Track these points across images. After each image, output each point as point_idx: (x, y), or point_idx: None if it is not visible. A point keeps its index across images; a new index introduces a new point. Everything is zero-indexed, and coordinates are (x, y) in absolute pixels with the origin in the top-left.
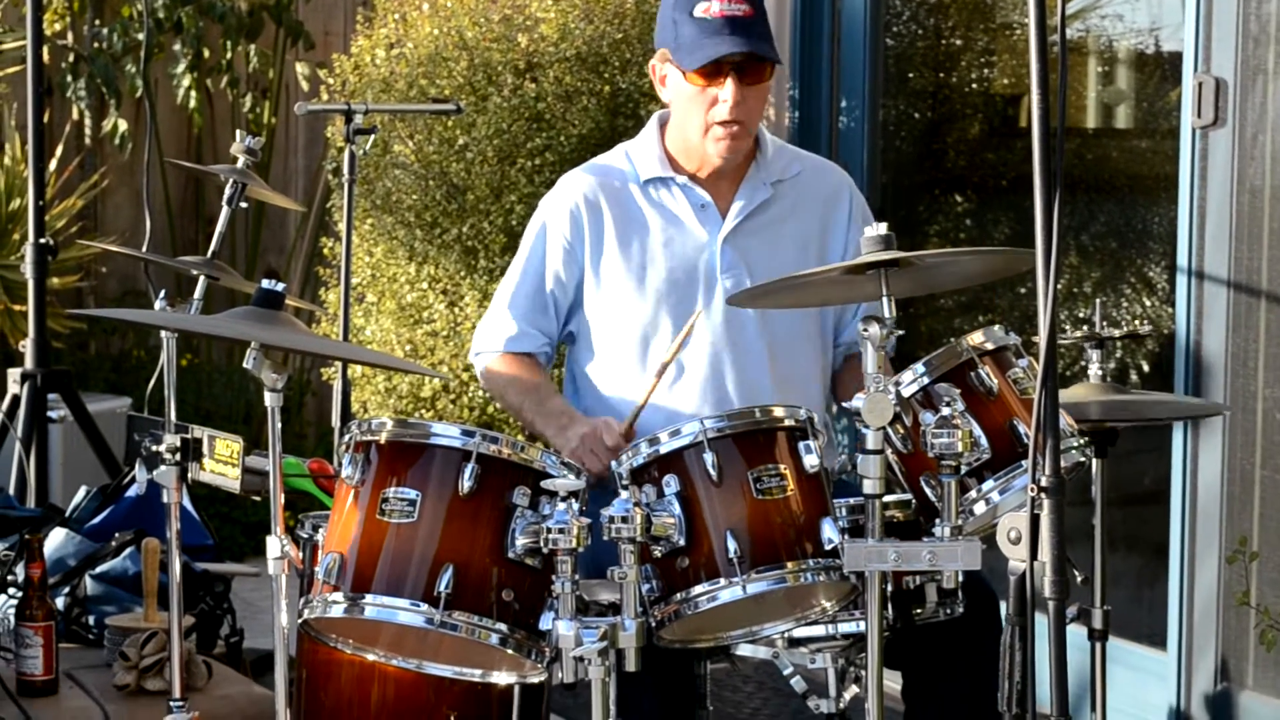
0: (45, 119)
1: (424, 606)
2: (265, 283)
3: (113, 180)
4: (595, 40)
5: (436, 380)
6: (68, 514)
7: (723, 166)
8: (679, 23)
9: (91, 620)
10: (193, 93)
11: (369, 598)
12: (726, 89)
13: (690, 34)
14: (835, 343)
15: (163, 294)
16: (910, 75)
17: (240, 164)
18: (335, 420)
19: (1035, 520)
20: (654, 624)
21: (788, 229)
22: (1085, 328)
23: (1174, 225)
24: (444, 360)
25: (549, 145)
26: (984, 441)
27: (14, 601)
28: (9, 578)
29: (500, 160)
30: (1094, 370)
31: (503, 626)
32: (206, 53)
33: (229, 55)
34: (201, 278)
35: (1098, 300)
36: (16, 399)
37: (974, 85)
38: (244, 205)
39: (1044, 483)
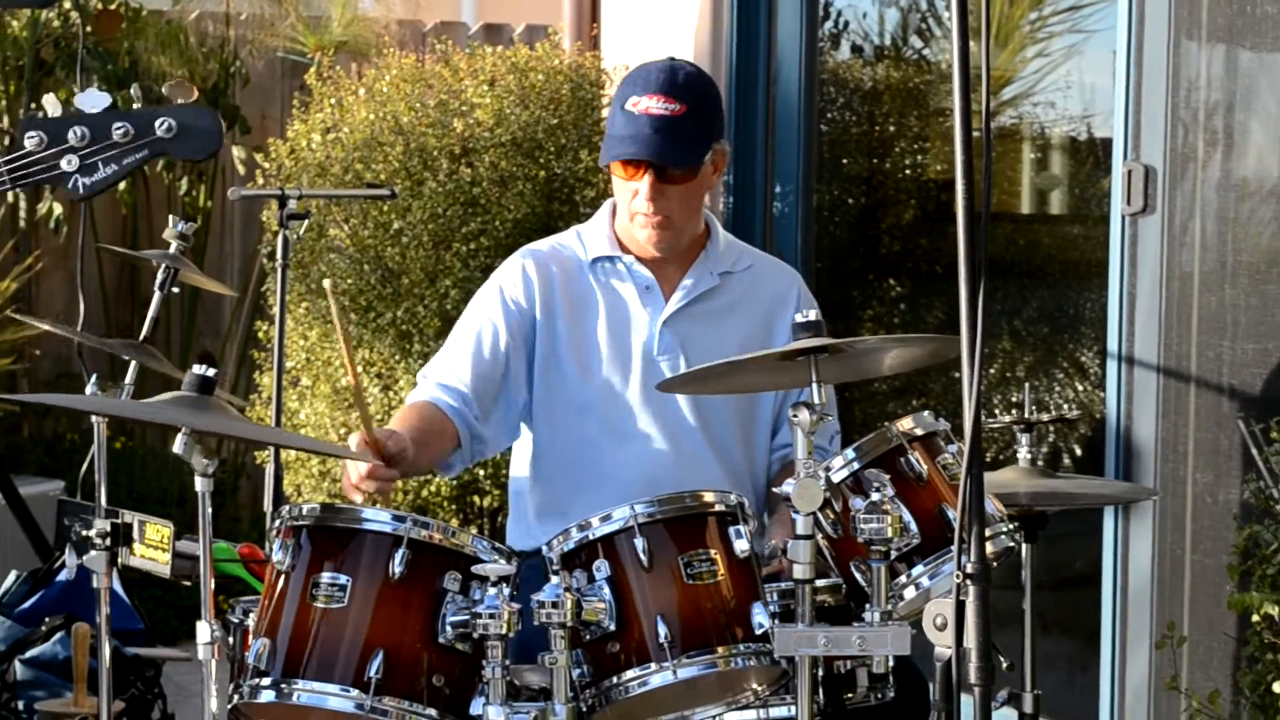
0: None
1: (354, 692)
2: (197, 368)
3: (47, 263)
4: (530, 126)
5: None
6: None
7: (656, 254)
8: (614, 111)
9: (21, 705)
10: None
11: (299, 683)
12: (643, 184)
13: (617, 126)
14: (773, 443)
15: (94, 378)
16: (844, 161)
17: (173, 249)
18: (268, 504)
19: (960, 607)
20: (585, 709)
21: (732, 321)
22: (1015, 412)
23: (1105, 311)
24: None
25: (484, 230)
26: (913, 527)
27: None
28: None
29: (435, 245)
30: (1023, 454)
31: (433, 712)
32: None
33: None
34: (133, 362)
35: (1027, 385)
36: None
37: (907, 171)
38: (175, 290)
39: (969, 569)
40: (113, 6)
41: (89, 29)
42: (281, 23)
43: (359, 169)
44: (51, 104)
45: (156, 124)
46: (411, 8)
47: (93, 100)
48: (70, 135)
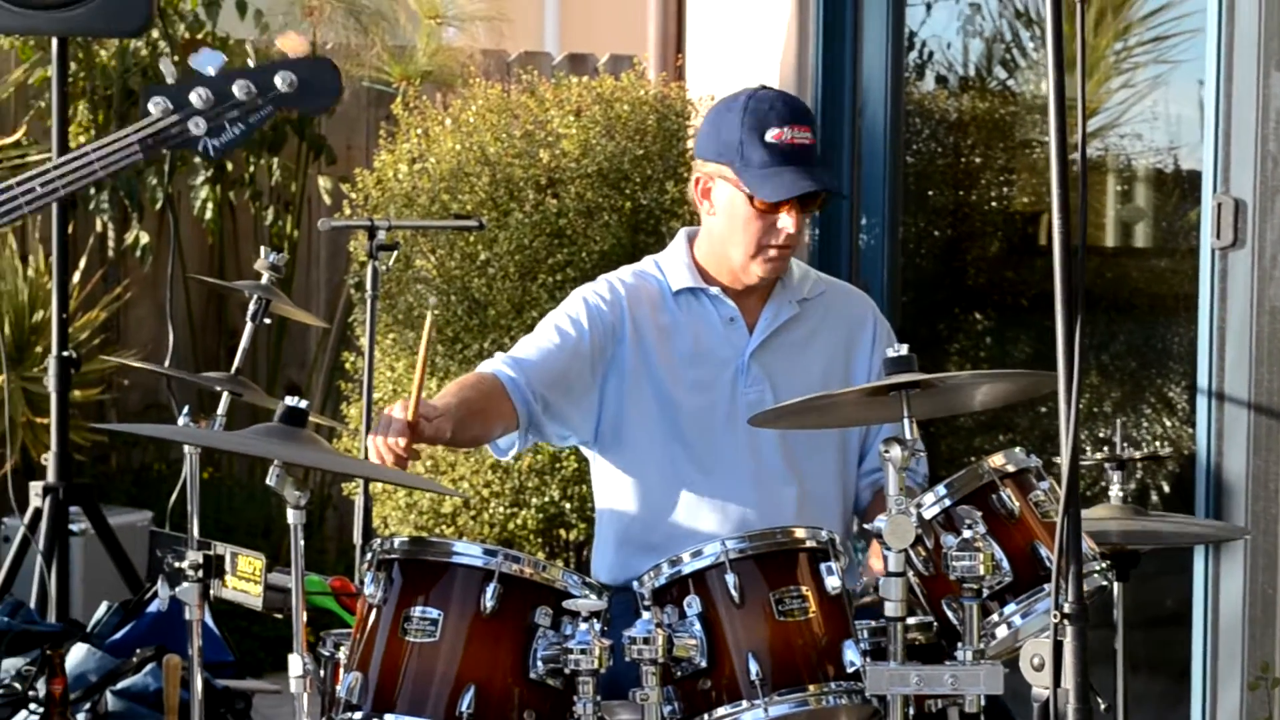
0: (69, 231)
1: None
2: (289, 400)
3: (135, 293)
4: (616, 156)
5: (457, 496)
6: (89, 629)
7: (758, 284)
8: (746, 144)
9: None
10: (209, 205)
11: (391, 718)
12: (788, 218)
13: (761, 159)
14: (861, 469)
15: (186, 409)
16: (930, 193)
17: (265, 279)
18: (356, 536)
19: (1058, 647)
20: None
21: (813, 347)
22: (1106, 449)
23: (1194, 345)
24: (465, 476)
25: (570, 261)
26: (1006, 564)
27: (35, 718)
28: (30, 693)
29: (522, 276)
30: (1115, 492)
31: None
32: (229, 166)
33: (251, 169)
34: (225, 393)
35: (1119, 421)
36: (38, 512)
37: (994, 203)
38: (267, 321)
39: (1067, 609)
40: (199, 35)
41: (176, 58)
42: (367, 52)
43: (445, 199)
44: (168, 69)
45: (276, 79)
46: (496, 38)
47: (208, 60)
48: (194, 98)
